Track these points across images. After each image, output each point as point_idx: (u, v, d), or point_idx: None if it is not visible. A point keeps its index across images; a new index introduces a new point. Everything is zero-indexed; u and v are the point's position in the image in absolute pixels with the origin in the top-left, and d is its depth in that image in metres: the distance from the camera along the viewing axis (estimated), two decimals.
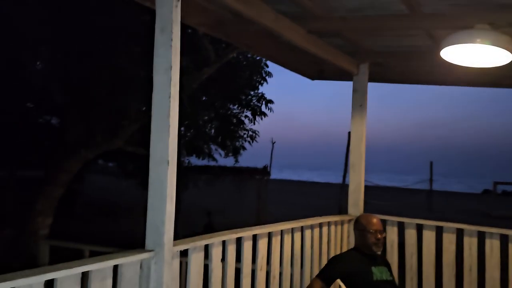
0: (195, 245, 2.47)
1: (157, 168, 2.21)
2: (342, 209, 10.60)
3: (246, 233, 2.92)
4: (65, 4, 6.45)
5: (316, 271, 3.60)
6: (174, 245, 2.26)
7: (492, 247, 3.74)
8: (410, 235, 4.09)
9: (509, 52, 2.79)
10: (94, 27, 6.49)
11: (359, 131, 4.35)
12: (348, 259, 3.08)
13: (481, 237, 3.80)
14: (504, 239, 3.72)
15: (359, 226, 3.09)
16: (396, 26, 3.37)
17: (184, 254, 2.44)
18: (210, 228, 10.51)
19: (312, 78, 5.24)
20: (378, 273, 2.96)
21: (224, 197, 14.07)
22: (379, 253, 3.08)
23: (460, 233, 3.88)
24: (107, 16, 6.30)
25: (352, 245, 3.72)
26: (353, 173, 4.32)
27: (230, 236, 2.77)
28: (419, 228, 4.06)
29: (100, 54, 6.76)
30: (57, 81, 7.14)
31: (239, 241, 2.88)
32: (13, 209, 8.98)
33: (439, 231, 3.97)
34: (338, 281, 2.99)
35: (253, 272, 3.01)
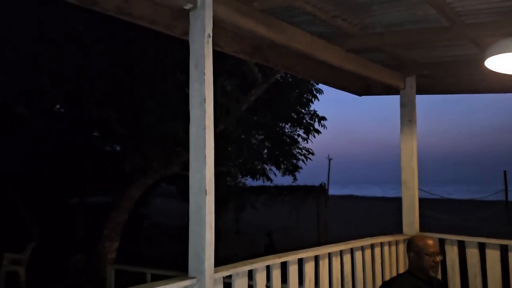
0: (237, 271, 2.51)
1: (196, 198, 2.29)
2: None
3: (291, 257, 2.91)
4: (115, 37, 6.88)
5: None
6: (216, 271, 2.31)
7: None
8: (472, 254, 3.84)
9: None
10: (142, 57, 6.86)
11: (410, 147, 4.19)
12: (402, 285, 2.90)
13: None
14: None
15: (414, 248, 2.85)
16: (438, 38, 3.26)
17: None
18: (271, 248, 10.44)
19: (359, 94, 5.15)
20: None
21: (283, 216, 13.98)
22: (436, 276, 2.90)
23: None
24: (154, 45, 6.62)
25: (408, 265, 3.55)
26: (406, 190, 4.16)
27: (274, 260, 2.77)
28: (482, 247, 3.80)
29: (150, 83, 7.10)
30: (114, 111, 7.56)
31: (284, 264, 2.87)
32: (83, 235, 9.57)
33: (504, 250, 3.69)
34: None
35: None
